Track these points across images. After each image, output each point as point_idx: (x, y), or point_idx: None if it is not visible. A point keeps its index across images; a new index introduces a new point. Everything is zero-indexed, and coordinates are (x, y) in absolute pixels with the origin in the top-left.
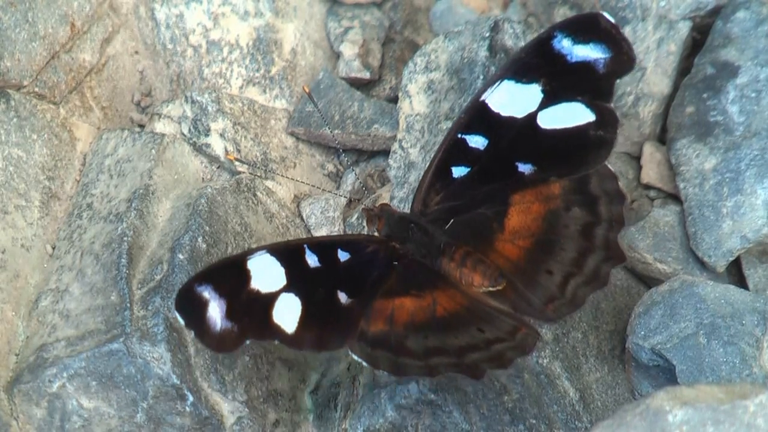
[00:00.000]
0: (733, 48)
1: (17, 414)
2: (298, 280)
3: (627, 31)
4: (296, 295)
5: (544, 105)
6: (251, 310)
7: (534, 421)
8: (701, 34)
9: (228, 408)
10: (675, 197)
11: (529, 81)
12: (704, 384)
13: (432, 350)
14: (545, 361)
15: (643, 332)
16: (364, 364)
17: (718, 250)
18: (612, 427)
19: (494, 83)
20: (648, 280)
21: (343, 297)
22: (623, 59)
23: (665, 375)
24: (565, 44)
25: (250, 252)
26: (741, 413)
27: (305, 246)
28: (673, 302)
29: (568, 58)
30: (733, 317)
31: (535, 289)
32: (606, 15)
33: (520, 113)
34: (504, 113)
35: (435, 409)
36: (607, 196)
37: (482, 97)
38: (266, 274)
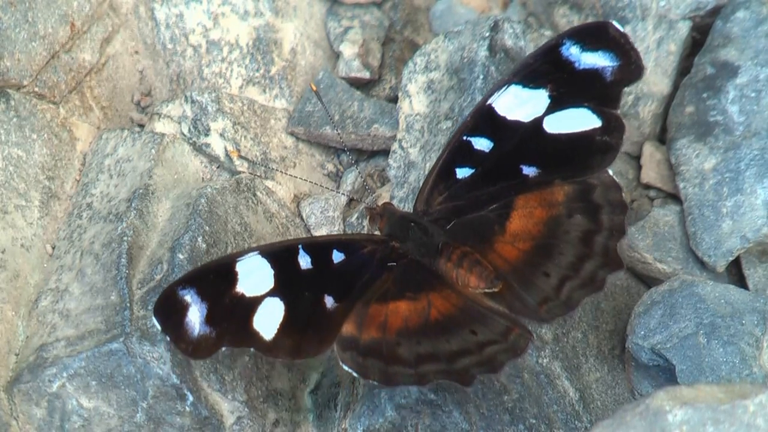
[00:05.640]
0: (732, 48)
1: (17, 414)
2: (285, 283)
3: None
4: (281, 299)
5: (550, 110)
6: (232, 315)
7: (534, 421)
8: (701, 34)
9: (228, 408)
10: (675, 197)
11: (537, 86)
12: (704, 384)
13: (423, 357)
14: (545, 361)
15: (643, 332)
16: (355, 374)
17: (718, 250)
18: (612, 427)
19: (501, 87)
20: (648, 280)
21: (329, 301)
22: (631, 68)
23: (665, 375)
24: (573, 51)
25: (241, 253)
26: (741, 413)
27: (300, 246)
28: (673, 302)
29: (576, 65)
30: (732, 317)
31: (531, 290)
32: (615, 24)
33: (526, 117)
34: (510, 117)
35: (435, 409)
36: (610, 206)
37: (489, 101)
38: (254, 276)
